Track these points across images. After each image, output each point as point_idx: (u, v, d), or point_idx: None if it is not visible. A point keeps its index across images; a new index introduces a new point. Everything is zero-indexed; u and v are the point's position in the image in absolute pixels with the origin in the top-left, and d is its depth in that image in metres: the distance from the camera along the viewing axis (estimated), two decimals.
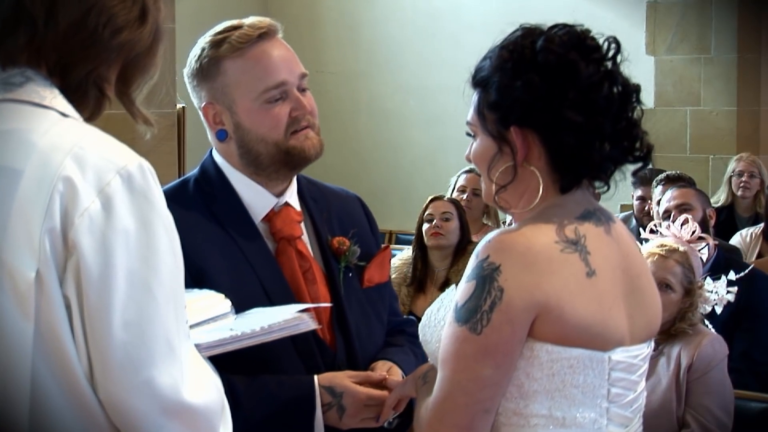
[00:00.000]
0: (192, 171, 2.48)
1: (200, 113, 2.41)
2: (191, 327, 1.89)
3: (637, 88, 2.01)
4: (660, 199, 5.59)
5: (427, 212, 5.22)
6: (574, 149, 1.95)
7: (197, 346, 1.75)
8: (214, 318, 2.05)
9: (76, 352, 1.54)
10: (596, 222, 2.00)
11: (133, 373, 1.54)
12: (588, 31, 1.99)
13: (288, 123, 2.34)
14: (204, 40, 2.37)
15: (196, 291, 2.09)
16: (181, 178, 2.47)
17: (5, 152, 1.56)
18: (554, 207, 1.98)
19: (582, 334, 1.92)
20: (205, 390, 1.62)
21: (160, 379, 1.55)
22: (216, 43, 2.34)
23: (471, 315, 1.90)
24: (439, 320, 2.03)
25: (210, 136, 2.42)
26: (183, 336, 1.61)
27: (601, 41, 1.99)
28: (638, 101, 2.01)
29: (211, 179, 2.40)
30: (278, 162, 2.36)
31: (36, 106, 1.60)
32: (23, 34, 1.60)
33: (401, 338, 2.54)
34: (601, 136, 1.95)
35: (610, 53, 1.99)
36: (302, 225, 2.44)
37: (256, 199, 2.39)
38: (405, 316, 2.73)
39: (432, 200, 5.30)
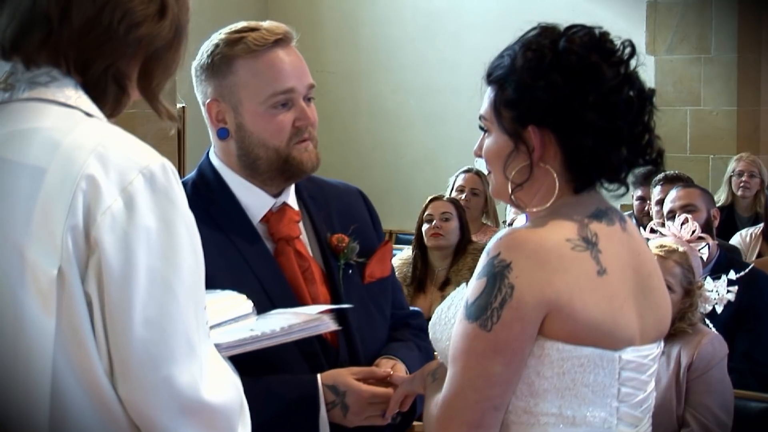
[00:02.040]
0: (190, 173, 2.48)
1: (203, 108, 2.40)
2: (212, 327, 1.90)
3: (651, 93, 2.03)
4: (659, 199, 5.59)
5: (426, 212, 5.22)
6: (591, 151, 1.96)
7: (217, 345, 1.75)
8: (236, 318, 2.05)
9: (97, 350, 1.55)
10: (608, 221, 2.01)
11: (153, 371, 1.55)
12: (607, 33, 2.00)
13: (291, 132, 2.35)
14: (219, 36, 2.37)
15: (218, 291, 2.10)
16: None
17: (30, 150, 1.57)
18: (566, 206, 1.99)
19: (592, 333, 1.92)
20: (224, 389, 1.63)
21: (179, 377, 1.56)
22: (231, 42, 2.34)
23: (481, 312, 1.90)
24: (449, 318, 2.03)
25: (210, 132, 2.42)
26: (203, 335, 1.62)
27: (617, 44, 2.00)
28: (652, 106, 2.02)
29: (209, 182, 2.40)
30: (275, 169, 2.36)
31: (61, 106, 1.62)
32: (39, 33, 1.62)
33: (406, 332, 2.53)
34: (620, 139, 1.97)
35: (625, 56, 2.00)
36: (301, 224, 2.44)
37: (253, 200, 2.39)
38: (411, 308, 2.72)
39: (431, 200, 5.30)
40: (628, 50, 2.00)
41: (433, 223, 5.15)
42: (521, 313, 1.89)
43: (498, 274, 1.90)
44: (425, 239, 5.17)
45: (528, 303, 1.88)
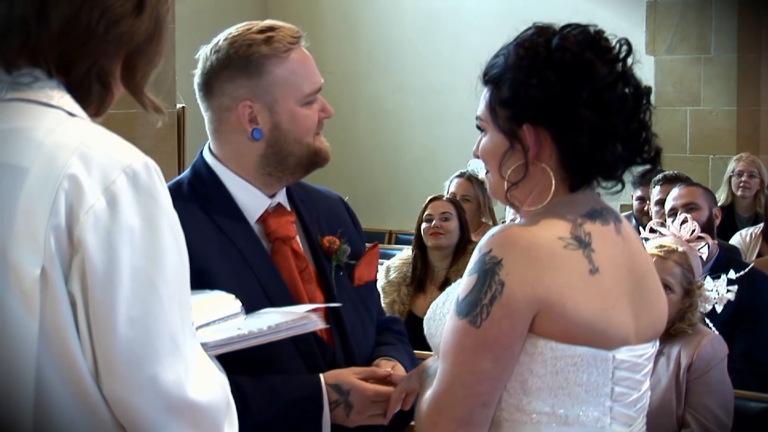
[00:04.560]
0: (183, 172, 2.48)
1: (227, 112, 2.35)
2: (201, 327, 1.89)
3: (648, 90, 2.03)
4: (658, 199, 5.59)
5: (426, 212, 5.21)
6: (587, 149, 1.95)
7: (204, 344, 1.75)
8: (224, 318, 2.05)
9: (81, 349, 1.54)
10: (603, 221, 2.01)
11: (138, 370, 1.54)
12: (602, 31, 2.01)
13: (317, 126, 2.39)
14: (242, 37, 2.33)
15: (207, 291, 2.10)
16: (174, 180, 2.45)
17: (12, 150, 1.57)
18: (561, 205, 1.99)
19: (585, 332, 1.92)
20: (209, 388, 1.62)
21: (164, 376, 1.55)
22: (261, 42, 2.33)
23: (471, 308, 1.90)
24: (444, 314, 2.03)
25: (209, 131, 2.41)
26: (188, 333, 1.61)
27: (612, 42, 2.00)
28: (649, 103, 2.02)
29: (205, 180, 2.40)
30: (303, 164, 2.39)
31: (44, 106, 1.61)
32: (17, 38, 1.61)
33: (390, 336, 2.54)
34: (615, 136, 1.96)
35: (622, 54, 2.00)
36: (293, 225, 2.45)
37: (249, 200, 2.39)
38: (389, 315, 2.74)
39: (431, 200, 5.29)
40: (624, 48, 2.00)
41: (433, 223, 5.15)
42: (511, 310, 1.88)
43: (489, 270, 1.90)
44: (425, 239, 5.17)
45: (518, 300, 1.88)
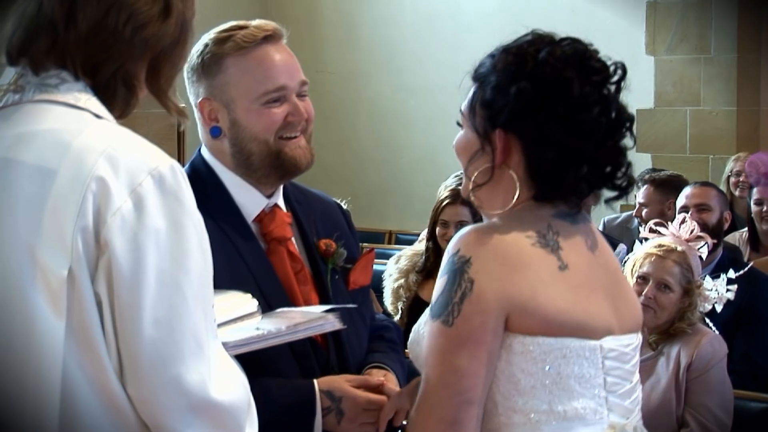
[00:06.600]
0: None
1: (195, 109, 2.41)
2: (219, 326, 1.92)
3: (630, 118, 2.02)
4: (643, 200, 5.62)
5: (441, 217, 5.16)
6: (550, 165, 1.96)
7: (224, 344, 1.77)
8: (241, 317, 2.07)
9: (107, 349, 1.57)
10: (572, 221, 2.03)
11: (162, 370, 1.57)
12: (596, 51, 2.02)
13: (281, 125, 2.35)
14: (208, 37, 2.39)
15: (223, 290, 2.11)
16: None
17: (41, 152, 1.59)
18: (528, 207, 2.00)
19: (566, 323, 1.94)
20: (231, 387, 1.65)
21: (188, 376, 1.58)
22: (220, 41, 2.36)
23: (443, 309, 1.93)
24: (425, 335, 2.04)
25: (201, 132, 2.43)
26: (211, 334, 1.64)
27: (606, 63, 2.01)
28: (630, 131, 2.02)
29: (203, 178, 2.40)
30: (268, 165, 2.37)
31: (71, 108, 1.63)
32: (45, 39, 1.63)
33: (383, 344, 2.55)
34: (580, 157, 1.97)
35: (614, 78, 2.00)
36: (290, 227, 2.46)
37: (247, 199, 2.40)
38: (382, 317, 2.74)
39: (446, 204, 5.20)
40: (618, 72, 2.01)
41: (448, 233, 5.12)
42: (482, 306, 1.90)
43: (458, 270, 1.92)
44: (439, 240, 5.15)
45: (488, 297, 1.90)
